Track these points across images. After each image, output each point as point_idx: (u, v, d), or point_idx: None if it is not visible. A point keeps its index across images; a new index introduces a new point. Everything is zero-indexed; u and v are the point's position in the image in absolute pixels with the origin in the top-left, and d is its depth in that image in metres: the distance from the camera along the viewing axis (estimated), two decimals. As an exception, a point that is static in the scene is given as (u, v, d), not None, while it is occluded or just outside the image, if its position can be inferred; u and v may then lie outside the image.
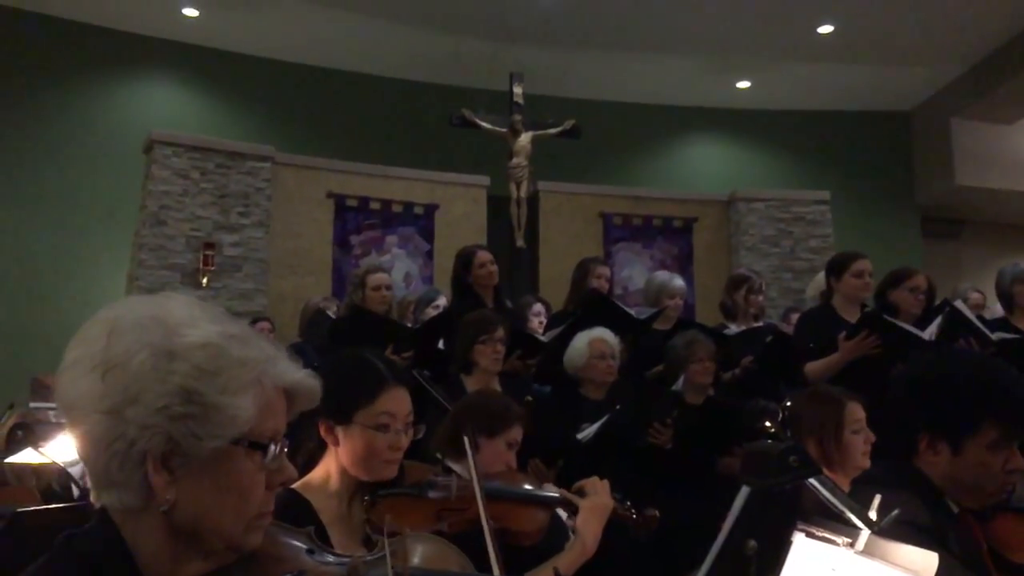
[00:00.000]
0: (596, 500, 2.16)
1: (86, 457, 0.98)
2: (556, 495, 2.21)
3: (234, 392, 0.98)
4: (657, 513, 2.29)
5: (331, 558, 1.16)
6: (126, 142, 8.17)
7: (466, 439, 2.05)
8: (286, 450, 1.07)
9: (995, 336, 3.81)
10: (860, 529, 1.54)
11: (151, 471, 0.95)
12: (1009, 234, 10.88)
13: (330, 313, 5.37)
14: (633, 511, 2.25)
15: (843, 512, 1.60)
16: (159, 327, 0.98)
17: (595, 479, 2.22)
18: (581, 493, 2.19)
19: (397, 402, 1.85)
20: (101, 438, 0.95)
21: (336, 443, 1.83)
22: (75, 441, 0.99)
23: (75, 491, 3.31)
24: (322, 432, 1.84)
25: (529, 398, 3.63)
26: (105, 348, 0.97)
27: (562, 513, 2.24)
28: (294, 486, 1.80)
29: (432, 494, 2.04)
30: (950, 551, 1.64)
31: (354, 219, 8.14)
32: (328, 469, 1.85)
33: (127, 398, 0.94)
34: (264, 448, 1.01)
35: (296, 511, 1.69)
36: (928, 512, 1.72)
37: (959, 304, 3.97)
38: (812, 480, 1.65)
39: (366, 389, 1.82)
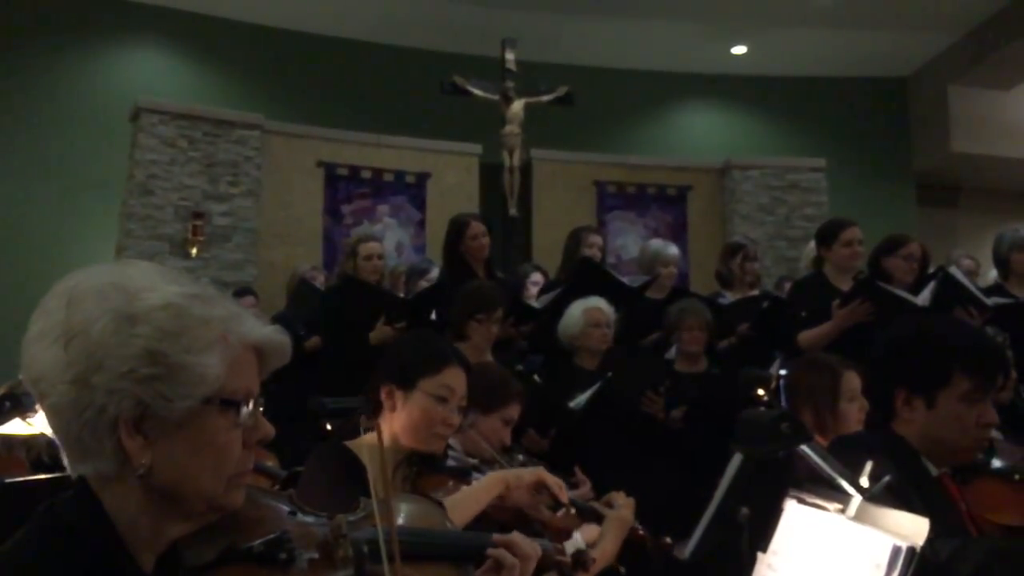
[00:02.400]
0: (622, 513, 2.22)
1: (57, 429, 0.98)
2: (585, 505, 2.27)
3: (199, 351, 0.98)
4: (670, 540, 2.30)
5: (314, 519, 1.17)
6: (112, 110, 8.06)
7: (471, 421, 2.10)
8: (262, 408, 1.07)
9: (991, 301, 3.80)
10: (851, 495, 1.54)
11: (124, 436, 0.95)
12: (1005, 201, 10.87)
13: (317, 284, 5.33)
14: (648, 537, 2.29)
15: (835, 479, 1.59)
16: (118, 292, 0.98)
17: (623, 494, 2.29)
18: (609, 504, 2.25)
19: (458, 380, 2.00)
20: (70, 408, 0.95)
21: (393, 408, 1.94)
22: (45, 414, 0.99)
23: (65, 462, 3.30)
24: (383, 395, 1.95)
25: (520, 367, 3.62)
26: (66, 318, 0.97)
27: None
28: (347, 443, 1.91)
29: (475, 479, 2.10)
30: (914, 511, 1.66)
31: (345, 188, 8.09)
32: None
33: (92, 365, 0.94)
34: (236, 405, 1.01)
35: (347, 462, 1.81)
36: (896, 471, 1.73)
37: (954, 270, 3.95)
38: (804, 447, 1.65)
39: (434, 360, 1.96)
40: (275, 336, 1.08)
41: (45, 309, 0.99)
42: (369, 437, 1.90)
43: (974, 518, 1.90)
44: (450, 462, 2.15)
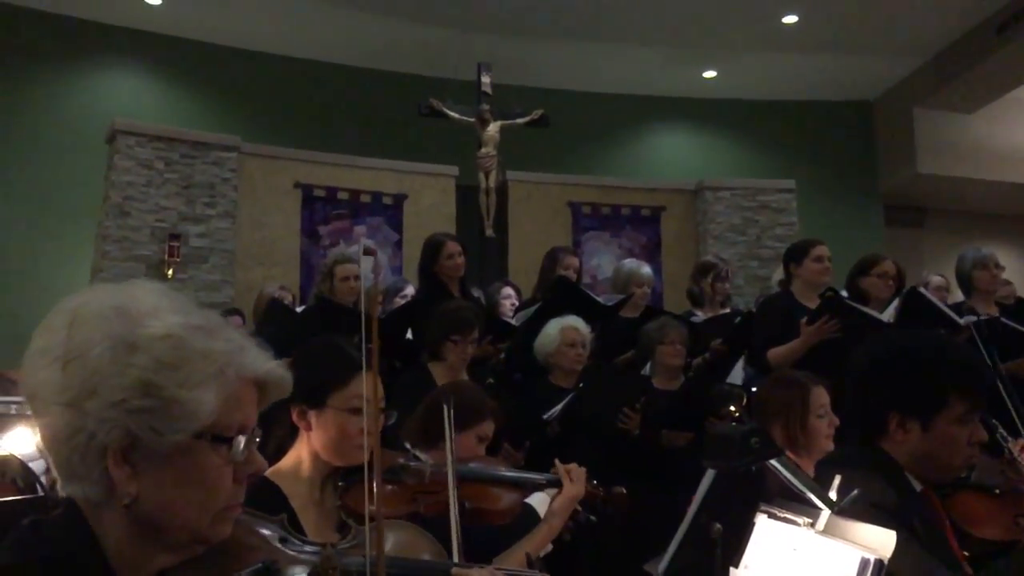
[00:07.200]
0: (572, 488, 2.23)
1: (48, 448, 0.97)
2: (530, 476, 2.27)
3: (194, 386, 0.96)
4: (624, 491, 2.35)
5: (304, 546, 1.16)
6: (88, 132, 8.03)
7: (445, 409, 2.09)
8: (258, 440, 1.05)
9: (963, 320, 3.84)
10: (821, 509, 1.58)
11: (111, 465, 0.94)
12: (970, 222, 11.06)
13: (286, 302, 5.27)
14: (601, 490, 2.32)
15: (804, 493, 1.64)
16: (121, 318, 0.96)
17: (574, 466, 2.28)
18: (566, 473, 2.26)
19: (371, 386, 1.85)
20: (62, 430, 0.94)
21: (308, 428, 1.84)
22: (38, 431, 0.98)
23: (39, 491, 3.25)
24: (294, 417, 1.85)
25: (491, 380, 3.64)
26: (66, 339, 0.95)
27: (546, 495, 2.28)
28: (265, 473, 1.79)
29: (406, 478, 2.07)
30: (915, 531, 1.68)
31: (322, 209, 8.10)
32: (300, 455, 1.85)
33: (86, 391, 0.93)
34: (229, 441, 0.99)
35: (267, 497, 1.70)
36: (895, 493, 1.76)
37: (922, 289, 4.02)
38: (774, 462, 1.69)
39: (339, 373, 1.84)
40: (277, 370, 1.06)
41: (48, 326, 0.97)
42: (287, 463, 1.85)
43: (957, 532, 1.92)
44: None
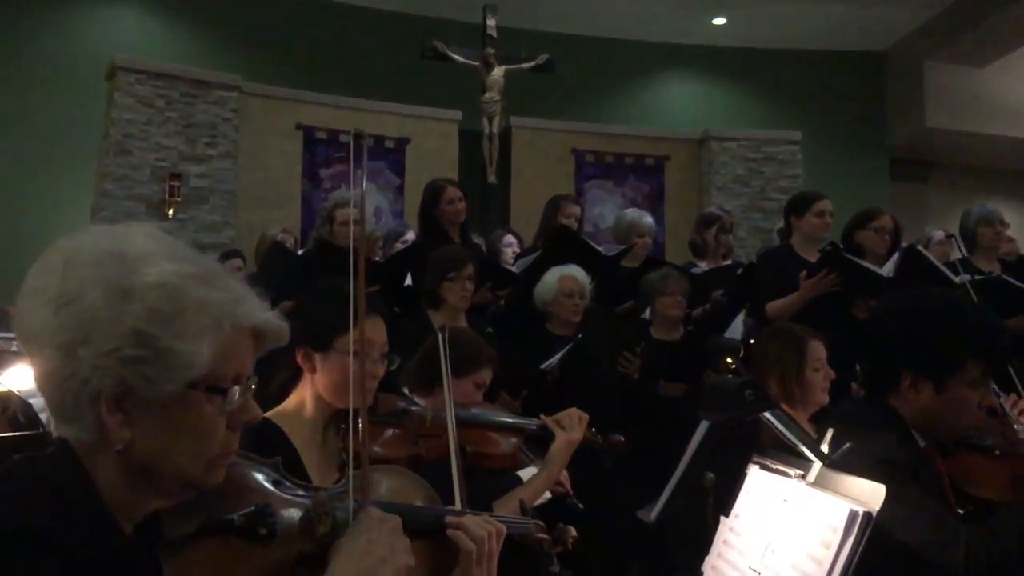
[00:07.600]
0: (571, 434, 2.26)
1: (42, 389, 0.97)
2: (528, 422, 2.31)
3: (189, 336, 0.95)
4: (622, 438, 2.37)
5: (297, 490, 1.16)
6: (88, 68, 7.92)
7: (442, 351, 2.09)
8: (253, 387, 1.05)
9: (959, 279, 3.83)
10: (813, 462, 1.59)
11: (104, 412, 0.93)
12: (977, 178, 10.98)
13: (288, 245, 5.26)
14: (599, 437, 2.34)
15: (796, 445, 1.65)
16: (116, 263, 0.95)
17: (574, 412, 2.31)
18: (558, 424, 2.28)
19: (374, 331, 1.90)
20: (55, 373, 0.94)
21: (313, 370, 1.86)
22: (32, 372, 0.98)
23: (40, 428, 3.27)
24: (299, 359, 1.86)
25: (489, 330, 3.64)
26: (60, 282, 0.94)
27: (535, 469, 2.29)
28: (267, 414, 1.81)
29: (408, 422, 2.11)
30: (923, 486, 1.72)
31: (323, 152, 8.05)
32: (303, 397, 1.87)
33: (79, 336, 0.92)
34: (223, 391, 0.99)
35: (269, 439, 1.72)
36: (904, 450, 1.78)
37: (920, 248, 4.01)
38: (767, 414, 1.71)
39: (345, 317, 1.85)
40: (273, 320, 1.05)
41: (42, 267, 0.96)
42: (290, 404, 1.86)
43: (955, 490, 1.94)
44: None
